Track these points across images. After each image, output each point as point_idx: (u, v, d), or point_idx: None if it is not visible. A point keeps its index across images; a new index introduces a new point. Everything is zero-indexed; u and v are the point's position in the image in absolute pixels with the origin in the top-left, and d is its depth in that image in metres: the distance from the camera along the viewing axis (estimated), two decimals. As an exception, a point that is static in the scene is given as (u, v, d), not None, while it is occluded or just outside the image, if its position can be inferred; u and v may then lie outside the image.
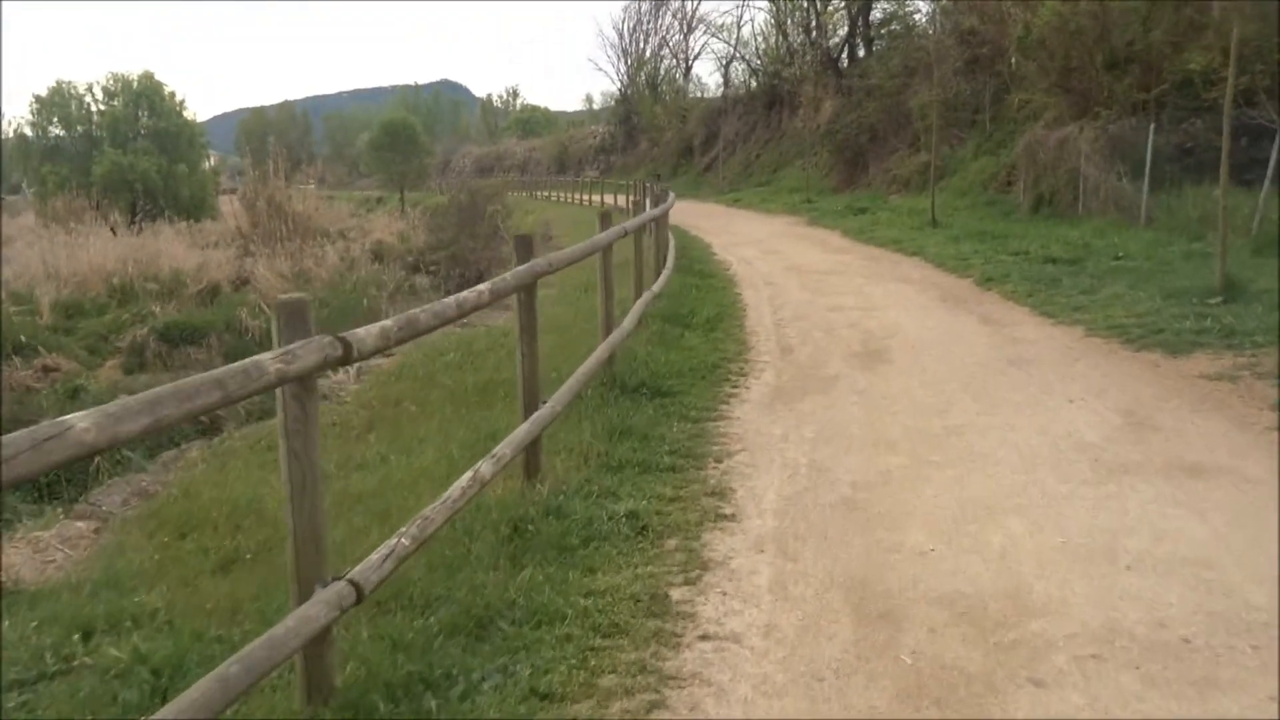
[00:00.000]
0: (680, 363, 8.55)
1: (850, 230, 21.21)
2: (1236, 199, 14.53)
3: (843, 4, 38.85)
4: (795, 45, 42.06)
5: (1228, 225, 10.56)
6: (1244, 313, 9.22)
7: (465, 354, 10.21)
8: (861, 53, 38.17)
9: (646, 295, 9.95)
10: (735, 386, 7.92)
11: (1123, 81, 19.19)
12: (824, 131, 33.64)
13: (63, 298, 29.83)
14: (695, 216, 28.22)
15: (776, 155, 41.25)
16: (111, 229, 54.60)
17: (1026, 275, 12.85)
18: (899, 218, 22.08)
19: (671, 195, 19.41)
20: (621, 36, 57.32)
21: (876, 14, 37.79)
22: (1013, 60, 23.52)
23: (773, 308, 11.97)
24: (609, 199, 33.45)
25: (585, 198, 38.40)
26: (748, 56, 47.03)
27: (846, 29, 38.92)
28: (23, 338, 22.26)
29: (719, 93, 49.74)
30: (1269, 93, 14.51)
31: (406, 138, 62.79)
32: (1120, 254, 13.73)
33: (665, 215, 16.10)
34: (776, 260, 17.02)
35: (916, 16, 35.53)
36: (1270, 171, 13.24)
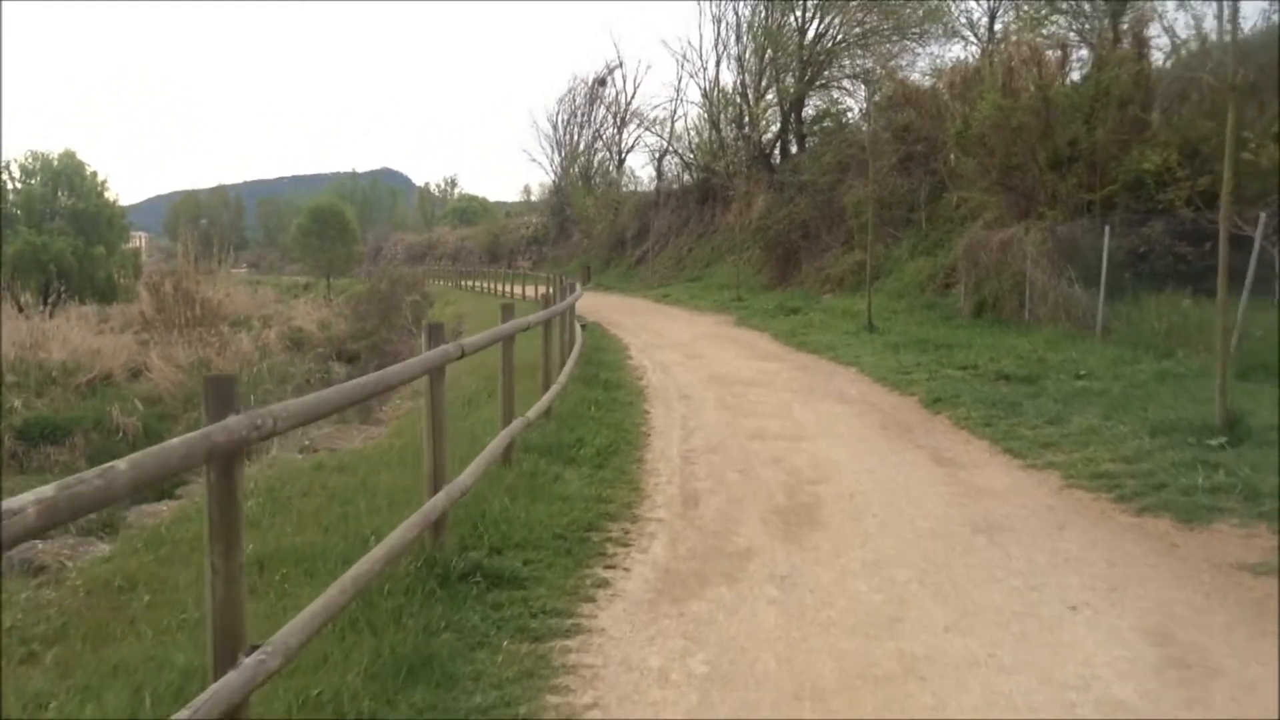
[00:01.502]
0: (545, 523, 6.31)
1: (781, 333, 19.29)
2: (1205, 311, 12.86)
3: (775, 100, 37.77)
4: (728, 140, 40.86)
5: (1227, 350, 8.65)
6: (1260, 460, 7.25)
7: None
8: (794, 149, 37.00)
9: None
10: (610, 567, 5.68)
11: (1067, 181, 17.70)
12: (755, 227, 32.10)
13: (-69, 387, 26.63)
14: (620, 312, 26.25)
15: (708, 250, 39.71)
16: (19, 308, 51.49)
17: (979, 397, 10.88)
18: (833, 320, 20.26)
19: (579, 288, 17.35)
20: (556, 128, 56.11)
21: (809, 110, 36.74)
22: (951, 157, 22.09)
23: (684, 433, 9.81)
24: (531, 291, 31.42)
25: (508, 289, 36.29)
26: (681, 150, 45.85)
27: (779, 125, 37.79)
28: None
29: (652, 186, 48.40)
30: (1238, 195, 12.93)
31: (335, 224, 60.58)
32: (1082, 372, 11.87)
33: (568, 313, 14.01)
34: (698, 368, 14.95)
35: (849, 115, 34.51)
36: (1249, 281, 11.52)
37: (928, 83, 26.90)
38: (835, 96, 35.99)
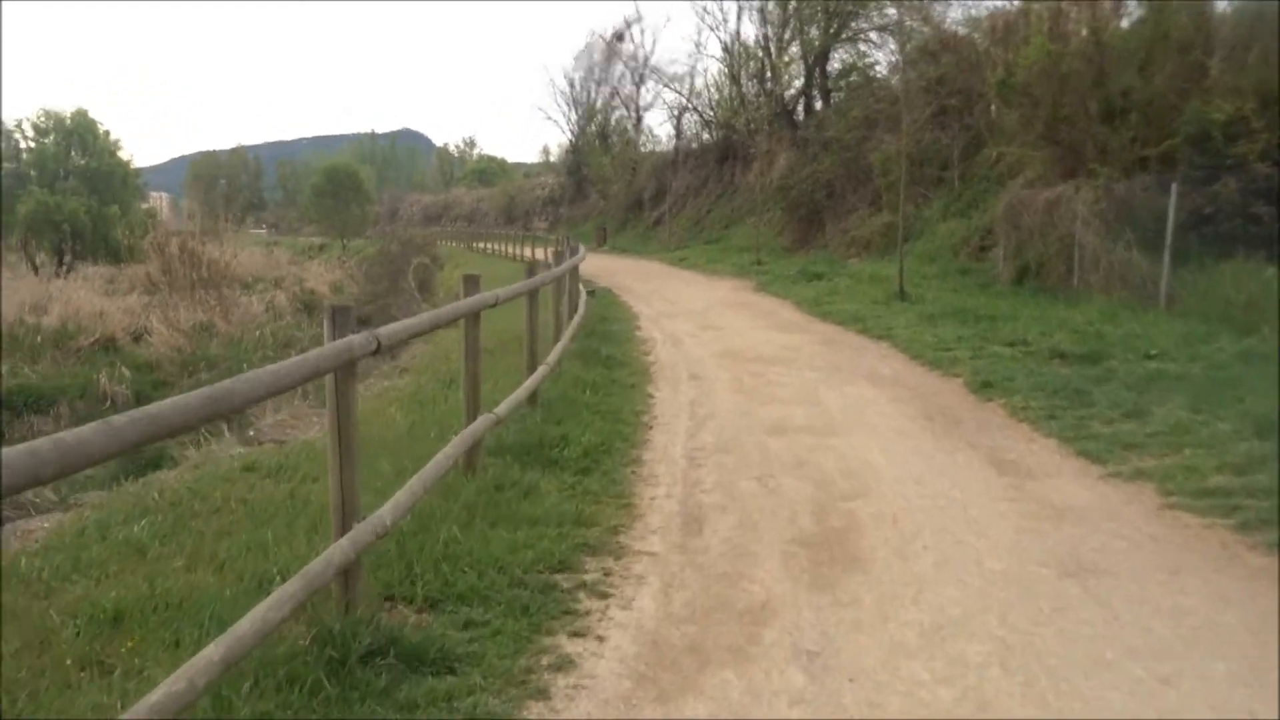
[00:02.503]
0: (503, 560, 4.82)
1: (804, 300, 17.65)
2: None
3: (799, 54, 35.80)
4: (749, 96, 38.92)
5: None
6: None
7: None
8: (819, 104, 35.04)
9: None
10: (578, 634, 4.18)
11: (1120, 134, 15.93)
12: (777, 187, 30.32)
13: (-78, 351, 25.40)
14: (632, 277, 24.66)
15: (728, 211, 37.92)
16: (34, 268, 50.41)
17: (1036, 380, 9.28)
18: (860, 286, 18.59)
19: (582, 250, 15.79)
20: (573, 85, 54.15)
21: (835, 64, 34.73)
22: (991, 108, 20.27)
23: (692, 424, 8.28)
24: (541, 253, 29.84)
25: (519, 251, 34.64)
26: (700, 108, 43.91)
27: (803, 80, 35.83)
28: None
29: (671, 145, 46.53)
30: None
31: (349, 184, 59.03)
32: (1152, 351, 10.23)
33: (566, 280, 12.47)
34: (713, 341, 13.39)
35: (877, 68, 32.52)
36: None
37: (962, 33, 24.91)
38: (862, 49, 33.96)
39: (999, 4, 26.39)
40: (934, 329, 12.90)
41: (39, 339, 27.41)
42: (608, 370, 10.64)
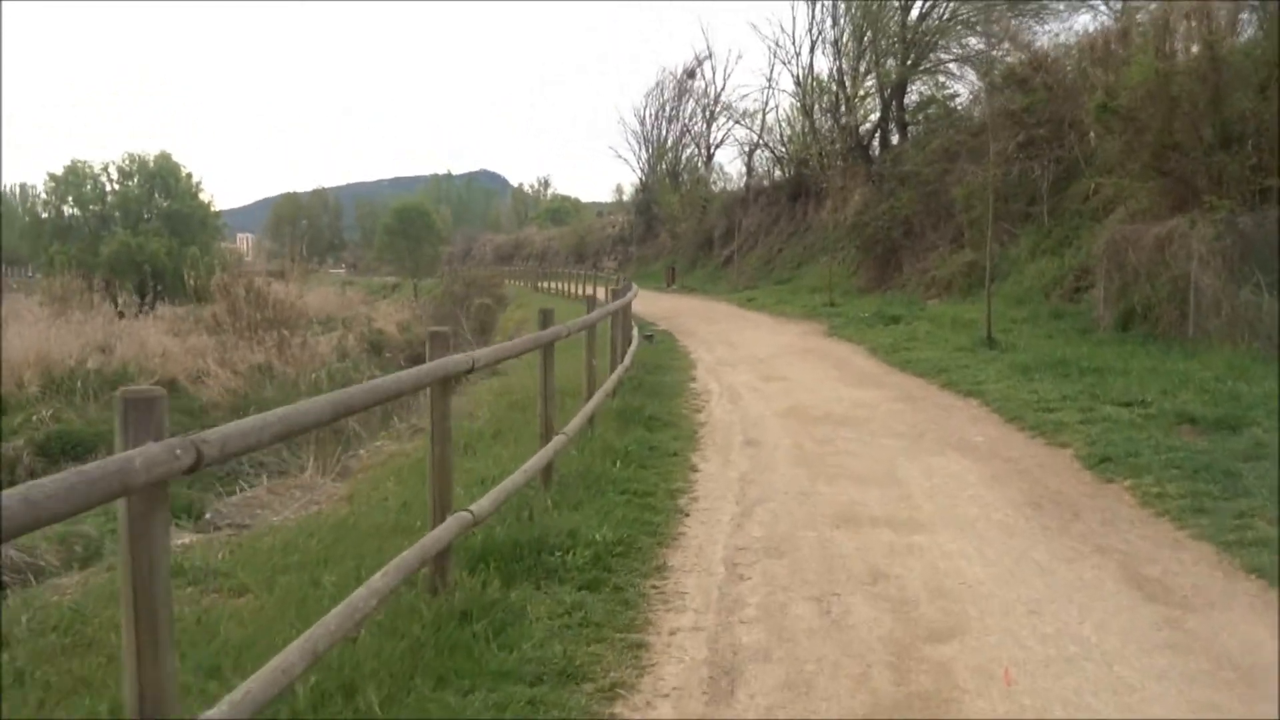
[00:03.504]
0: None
1: (880, 347, 15.89)
2: None
3: (874, 87, 34.11)
4: (822, 130, 37.27)
5: None
6: None
7: None
8: (895, 138, 33.27)
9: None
10: None
11: (1239, 162, 13.99)
12: (851, 224, 28.58)
13: (-12, 392, 24.83)
14: (696, 318, 23.12)
15: (800, 250, 36.21)
16: (119, 311, 50.81)
17: (1168, 455, 7.46)
18: (941, 331, 16.76)
19: (634, 288, 14.32)
20: (643, 123, 53.03)
21: (912, 97, 32.96)
22: (1090, 136, 18.38)
23: (739, 511, 6.66)
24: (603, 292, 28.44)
25: (581, 290, 33.25)
26: (772, 144, 42.34)
27: (878, 113, 34.11)
28: None
29: (741, 182, 44.99)
30: None
31: (421, 224, 58.70)
32: (1307, 416, 8.33)
33: (615, 323, 10.99)
34: (776, 395, 11.75)
35: (958, 99, 30.64)
36: None
37: (1054, 55, 22.99)
38: (941, 80, 32.14)
39: (1090, 25, 24.48)
40: (1031, 384, 11.07)
41: (98, 381, 26.85)
42: (648, 433, 9.07)
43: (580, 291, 32.80)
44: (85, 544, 14.43)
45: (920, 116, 32.37)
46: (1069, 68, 21.11)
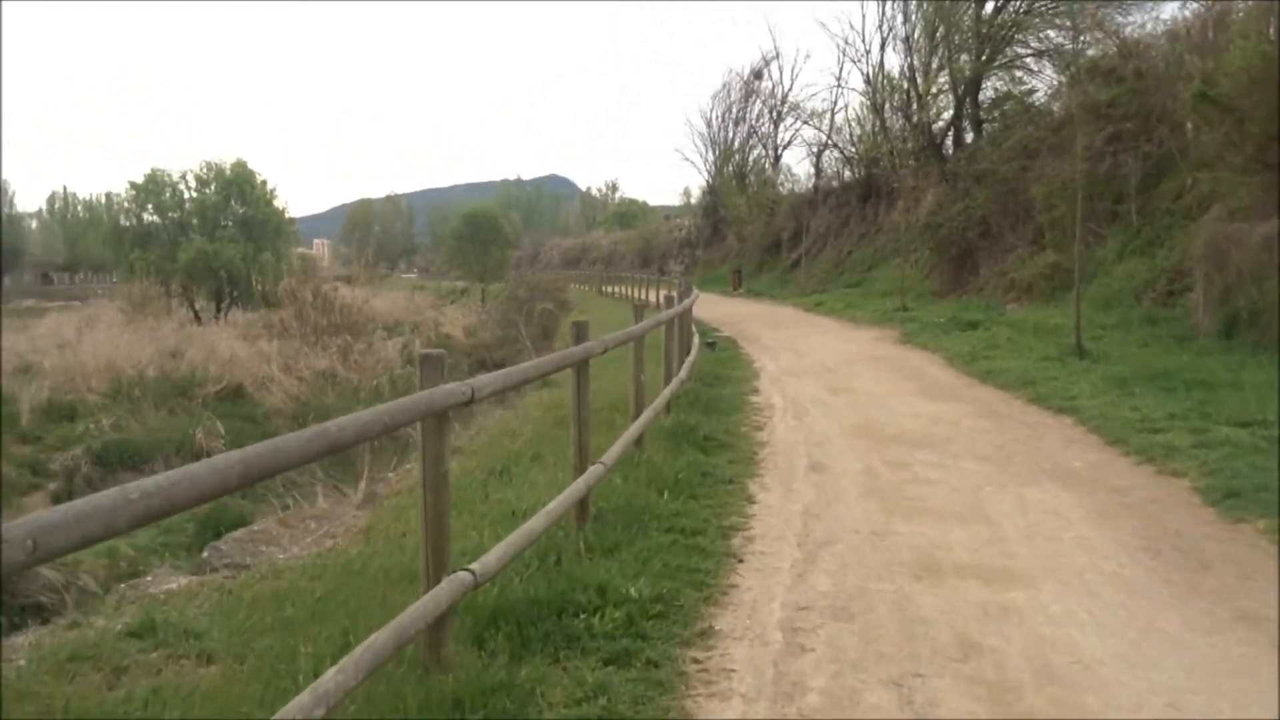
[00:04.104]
0: None
1: (957, 355, 14.72)
2: None
3: (947, 84, 32.65)
4: (893, 130, 35.88)
5: None
6: None
7: None
8: (969, 136, 31.79)
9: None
10: None
11: (1359, 154, 12.60)
12: (924, 225, 27.25)
13: (60, 398, 24.86)
14: (761, 324, 22.09)
15: (870, 253, 34.87)
16: (196, 316, 51.39)
17: (1308, 491, 6.31)
18: (1023, 338, 15.51)
19: (694, 292, 13.41)
20: (710, 125, 51.90)
21: (987, 93, 31.43)
22: (1187, 127, 16.96)
23: (802, 555, 5.69)
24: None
25: (645, 294, 32.35)
26: (841, 144, 40.96)
27: (952, 110, 32.62)
28: (-91, 461, 17.15)
29: (809, 183, 43.68)
30: None
31: (488, 228, 58.39)
32: None
33: (676, 324, 10.08)
34: (844, 409, 10.73)
35: (1036, 94, 29.10)
36: None
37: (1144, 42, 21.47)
38: (1018, 75, 30.59)
39: (1178, 15, 22.87)
40: (1131, 399, 9.89)
41: (166, 387, 26.71)
42: (703, 455, 8.14)
43: (645, 296, 31.96)
44: (128, 562, 13.94)
45: (996, 113, 30.88)
46: (1159, 56, 19.64)
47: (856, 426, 9.66)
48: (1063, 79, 25.96)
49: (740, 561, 5.56)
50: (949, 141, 32.74)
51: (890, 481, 7.40)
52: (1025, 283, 21.41)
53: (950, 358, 14.69)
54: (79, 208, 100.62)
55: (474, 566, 4.03)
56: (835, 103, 53.29)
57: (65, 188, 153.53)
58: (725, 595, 5.02)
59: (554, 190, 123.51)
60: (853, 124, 40.29)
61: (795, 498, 7.00)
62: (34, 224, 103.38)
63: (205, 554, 6.91)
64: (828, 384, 12.71)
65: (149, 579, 6.28)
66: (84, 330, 38.49)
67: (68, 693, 3.98)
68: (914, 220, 28.48)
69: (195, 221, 59.65)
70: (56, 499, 18.79)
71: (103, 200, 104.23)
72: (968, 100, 31.82)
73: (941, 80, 33.06)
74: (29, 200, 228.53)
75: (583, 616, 4.47)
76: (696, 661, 4.21)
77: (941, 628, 4.54)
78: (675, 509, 6.41)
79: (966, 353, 14.76)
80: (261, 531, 7.37)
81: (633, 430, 7.37)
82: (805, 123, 43.93)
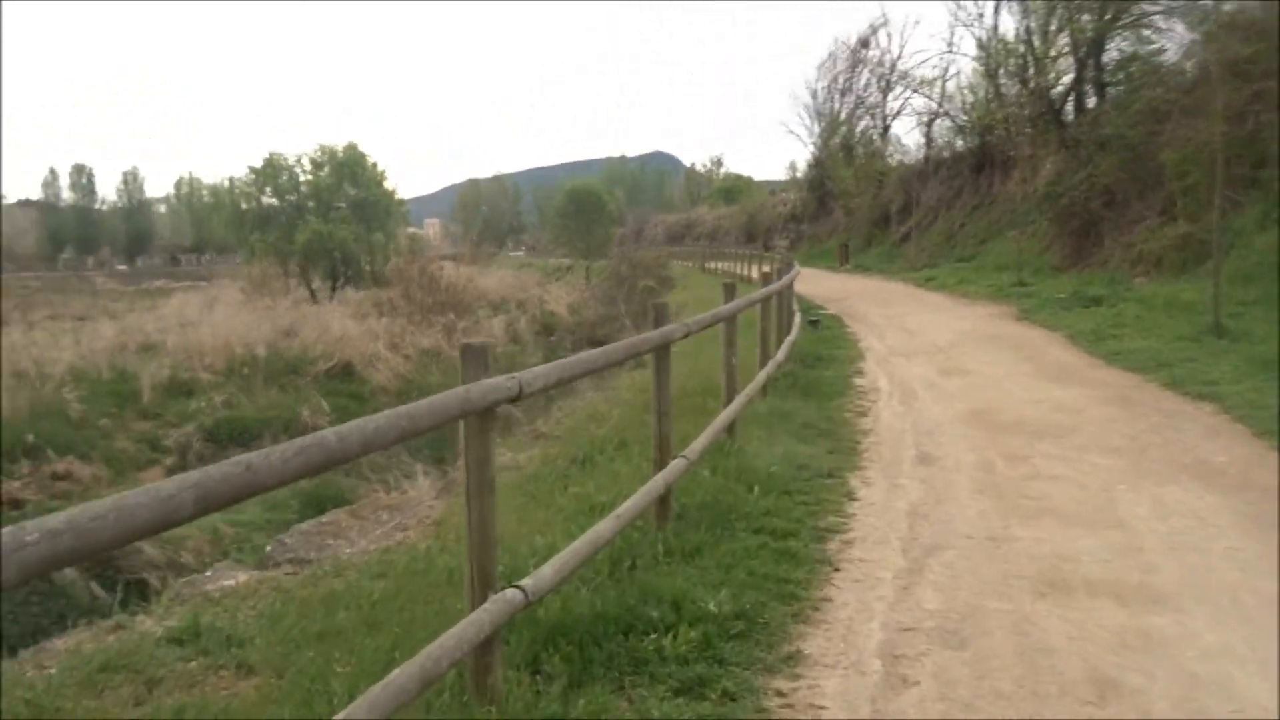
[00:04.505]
0: None
1: (1080, 334, 13.67)
2: None
3: (1067, 45, 30.83)
4: (1009, 96, 34.13)
5: None
6: None
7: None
8: (1091, 101, 29.97)
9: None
10: None
11: None
12: (1043, 195, 25.79)
13: (180, 375, 25.50)
14: (868, 301, 21.17)
15: (984, 225, 33.29)
16: (312, 295, 52.67)
17: None
18: (1153, 315, 14.34)
19: (795, 268, 12.71)
20: (815, 97, 50.41)
21: (1111, 54, 29.53)
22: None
23: (907, 564, 5.05)
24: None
25: (748, 270, 31.44)
26: (953, 112, 39.23)
27: (1072, 74, 30.80)
28: (30, 437, 17.66)
29: (919, 154, 42.06)
30: None
31: (592, 206, 58.17)
32: None
33: (774, 303, 9.45)
34: (957, 393, 9.94)
35: (1166, 54, 27.17)
36: None
37: None
38: (1146, 34, 28.62)
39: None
40: (1281, 384, 8.86)
41: (279, 365, 27.17)
42: (800, 444, 7.51)
43: (748, 272, 31.14)
44: (230, 539, 13.99)
45: (1121, 75, 28.99)
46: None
47: (970, 413, 8.89)
48: (1196, 36, 24.12)
49: (836, 570, 4.96)
50: (1069, 107, 30.96)
51: (1008, 477, 6.67)
52: (1154, 255, 19.95)
53: (1073, 336, 13.64)
54: (204, 192, 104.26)
55: (526, 582, 3.54)
56: (946, 70, 50.91)
57: (191, 173, 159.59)
58: (817, 611, 4.43)
59: (659, 166, 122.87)
60: (965, 91, 38.59)
61: (900, 494, 6.34)
62: (163, 209, 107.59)
63: (269, 548, 6.63)
64: (938, 365, 11.89)
65: (208, 574, 6.03)
66: (206, 310, 39.73)
67: (90, 709, 3.64)
68: (1031, 190, 27.07)
69: (311, 203, 60.97)
70: (171, 474, 19.27)
71: (226, 185, 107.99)
72: (1090, 62, 30.00)
73: (1061, 42, 31.26)
74: (158, 186, 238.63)
75: (653, 636, 3.95)
76: (780, 695, 3.65)
77: (1070, 659, 3.87)
78: (766, 506, 5.83)
79: (1090, 331, 13.69)
80: (330, 523, 7.06)
81: (722, 418, 6.80)
82: (915, 91, 42.28)
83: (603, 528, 4.28)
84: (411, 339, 31.87)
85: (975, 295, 21.47)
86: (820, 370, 11.34)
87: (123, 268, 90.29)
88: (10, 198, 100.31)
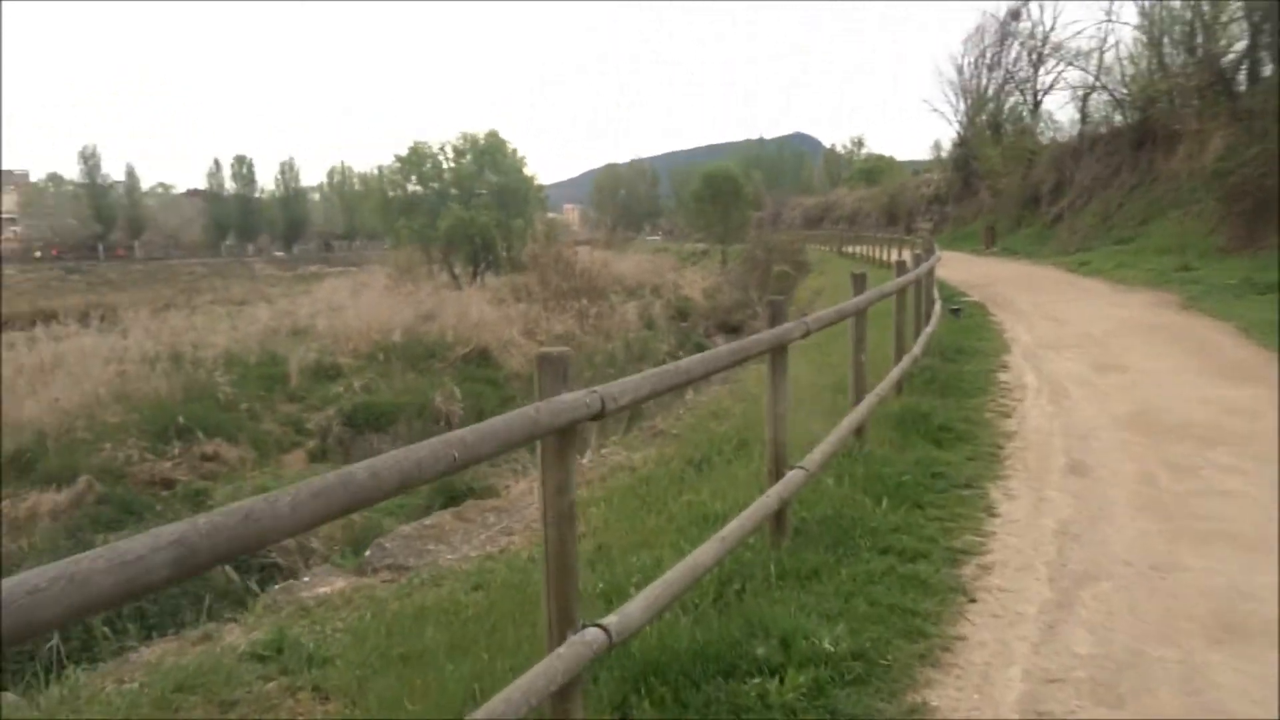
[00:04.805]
0: None
1: (1255, 325, 12.42)
2: None
3: (1240, 10, 28.50)
4: (1174, 67, 31.83)
5: None
6: None
7: None
8: (1268, 70, 27.62)
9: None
10: None
11: None
12: (1211, 172, 23.89)
13: (326, 359, 26.29)
14: (1015, 287, 20.01)
15: (1145, 205, 31.17)
16: (455, 280, 53.93)
17: None
18: (1341, 304, 12.94)
19: (936, 253, 11.93)
20: (961, 73, 48.35)
21: (1293, 17, 27.11)
22: None
23: (1054, 597, 4.43)
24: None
25: (887, 255, 30.24)
26: (1111, 85, 36.88)
27: (1246, 40, 28.46)
28: (180, 419, 18.37)
29: (1073, 130, 39.75)
30: None
31: (728, 189, 57.44)
32: None
33: (911, 292, 8.82)
34: (1114, 392, 9.08)
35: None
36: None
37: None
38: (1332, -6, 26.15)
39: None
40: None
41: (419, 349, 27.70)
42: (935, 449, 6.91)
43: (886, 257, 29.99)
44: (360, 528, 14.13)
45: (1303, 40, 26.62)
46: None
47: (1129, 415, 8.06)
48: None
49: (972, 601, 4.40)
50: (1241, 76, 28.63)
51: (1174, 492, 5.92)
52: (1340, 237, 18.17)
53: (1246, 328, 12.41)
54: (355, 181, 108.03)
55: (610, 620, 3.15)
56: (1104, 40, 48.16)
57: (343, 162, 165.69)
58: (948, 652, 3.90)
59: (797, 148, 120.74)
60: (1124, 62, 36.21)
61: (1048, 510, 5.69)
62: (316, 197, 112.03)
63: (368, 553, 6.47)
64: (1093, 359, 10.96)
65: (305, 579, 5.89)
66: (354, 295, 41.04)
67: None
68: (1198, 167, 25.08)
69: (454, 190, 62.28)
70: (312, 457, 19.76)
71: (375, 173, 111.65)
72: (1266, 27, 27.62)
73: (1233, 6, 28.94)
74: (311, 176, 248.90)
75: (757, 680, 3.52)
76: (897, 751, 3.17)
77: (1255, 732, 3.25)
78: (894, 522, 5.30)
79: (1265, 321, 12.42)
80: (433, 526, 6.86)
81: (848, 421, 6.27)
82: (1069, 64, 39.99)
83: (703, 553, 3.86)
84: (546, 325, 32.02)
85: (1134, 282, 19.99)
86: (961, 364, 10.59)
87: (280, 254, 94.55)
88: (180, 187, 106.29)
